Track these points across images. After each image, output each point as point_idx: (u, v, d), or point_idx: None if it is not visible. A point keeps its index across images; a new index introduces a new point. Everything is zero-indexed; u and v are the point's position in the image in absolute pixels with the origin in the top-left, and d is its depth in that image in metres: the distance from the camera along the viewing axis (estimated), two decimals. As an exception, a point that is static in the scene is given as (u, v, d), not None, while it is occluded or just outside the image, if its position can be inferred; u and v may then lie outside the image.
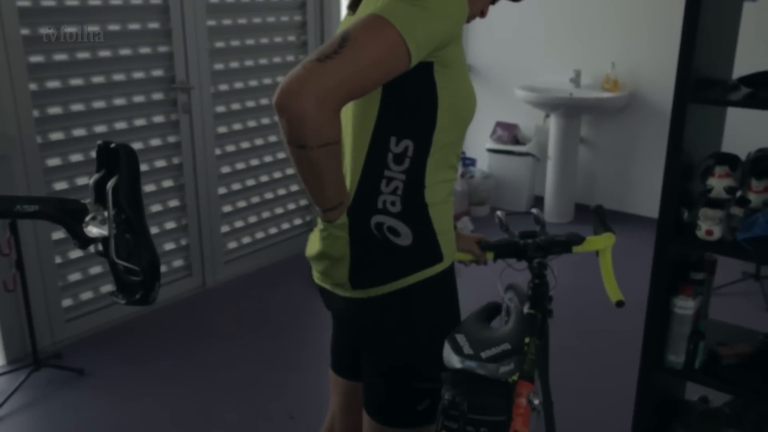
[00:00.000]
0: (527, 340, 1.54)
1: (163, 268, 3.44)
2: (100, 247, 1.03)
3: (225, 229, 3.80)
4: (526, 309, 1.65)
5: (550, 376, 1.93)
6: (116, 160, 1.00)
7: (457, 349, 1.19)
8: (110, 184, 0.99)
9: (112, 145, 1.00)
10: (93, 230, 1.00)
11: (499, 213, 1.82)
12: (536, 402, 1.42)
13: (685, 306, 1.89)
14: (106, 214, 1.00)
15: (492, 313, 1.33)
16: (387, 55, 1.08)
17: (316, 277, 1.40)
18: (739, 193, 1.85)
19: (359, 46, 1.06)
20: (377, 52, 1.07)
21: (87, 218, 1.00)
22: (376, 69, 1.08)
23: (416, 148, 1.21)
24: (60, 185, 3.02)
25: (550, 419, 1.93)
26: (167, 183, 3.45)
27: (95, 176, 1.02)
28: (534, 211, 1.87)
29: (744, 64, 2.15)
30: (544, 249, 1.72)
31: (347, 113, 1.26)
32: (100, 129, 3.12)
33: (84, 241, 1.01)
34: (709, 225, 1.81)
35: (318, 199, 1.20)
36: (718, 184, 1.83)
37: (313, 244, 1.37)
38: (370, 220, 1.24)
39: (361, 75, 1.07)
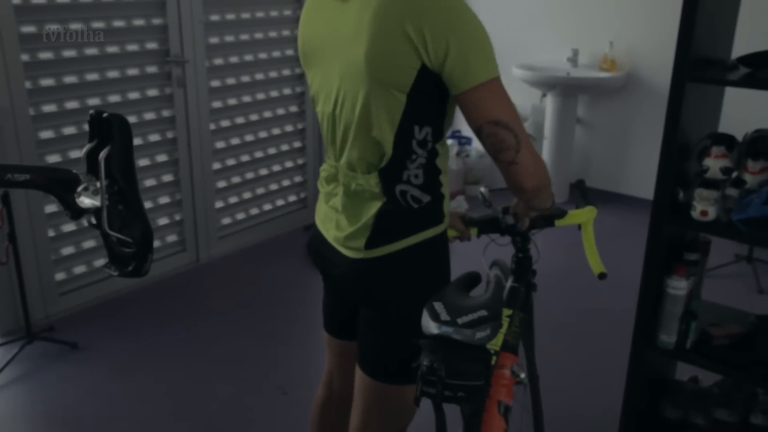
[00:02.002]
0: (510, 312, 1.57)
1: (156, 243, 3.43)
2: (93, 219, 1.01)
3: (219, 204, 3.79)
4: (510, 283, 1.67)
5: (543, 354, 1.94)
6: (109, 130, 0.98)
7: (435, 316, 1.22)
8: (102, 155, 0.97)
9: (105, 115, 0.98)
10: (85, 201, 0.99)
11: (481, 189, 1.82)
12: (522, 375, 1.43)
13: (678, 286, 1.90)
14: (98, 184, 0.98)
15: (471, 282, 1.34)
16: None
17: (329, 236, 1.49)
18: (735, 174, 1.85)
19: (513, 116, 1.29)
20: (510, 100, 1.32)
21: (79, 189, 0.98)
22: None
23: (433, 133, 1.38)
24: (53, 158, 3.00)
25: (535, 393, 1.95)
26: (161, 157, 3.43)
27: (87, 146, 1.00)
28: None
29: (743, 44, 2.13)
30: None
31: (377, 106, 1.33)
32: (93, 101, 3.09)
33: (76, 212, 0.99)
34: (704, 205, 1.81)
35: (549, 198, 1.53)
36: (714, 164, 1.82)
37: (329, 212, 1.49)
38: (395, 188, 1.38)
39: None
